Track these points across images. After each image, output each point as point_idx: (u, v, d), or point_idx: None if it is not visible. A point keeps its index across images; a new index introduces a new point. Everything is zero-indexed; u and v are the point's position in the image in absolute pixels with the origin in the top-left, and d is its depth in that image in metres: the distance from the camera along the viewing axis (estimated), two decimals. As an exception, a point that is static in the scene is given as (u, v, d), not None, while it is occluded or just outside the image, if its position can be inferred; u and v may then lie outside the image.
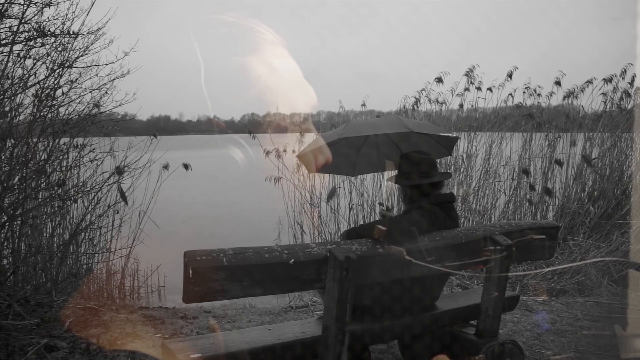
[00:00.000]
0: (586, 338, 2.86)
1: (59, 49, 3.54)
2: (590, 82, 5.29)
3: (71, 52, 3.61)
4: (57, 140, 3.77)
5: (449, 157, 5.42)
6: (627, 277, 3.91)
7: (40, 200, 3.89)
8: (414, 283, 1.96)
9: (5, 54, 3.19)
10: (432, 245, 1.84)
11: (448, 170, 5.29)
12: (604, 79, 5.26)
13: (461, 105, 5.54)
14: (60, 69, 3.57)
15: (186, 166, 4.87)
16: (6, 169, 3.28)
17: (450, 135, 2.55)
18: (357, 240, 1.77)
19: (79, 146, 4.09)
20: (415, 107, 5.62)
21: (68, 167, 4.10)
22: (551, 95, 5.45)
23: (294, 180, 5.10)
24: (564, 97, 5.40)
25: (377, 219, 2.79)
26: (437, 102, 5.54)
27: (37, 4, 3.18)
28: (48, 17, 3.39)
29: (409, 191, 2.15)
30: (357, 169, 2.74)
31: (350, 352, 1.78)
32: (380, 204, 2.63)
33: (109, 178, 4.19)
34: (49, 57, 3.50)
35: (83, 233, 4.29)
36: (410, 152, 2.20)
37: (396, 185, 2.23)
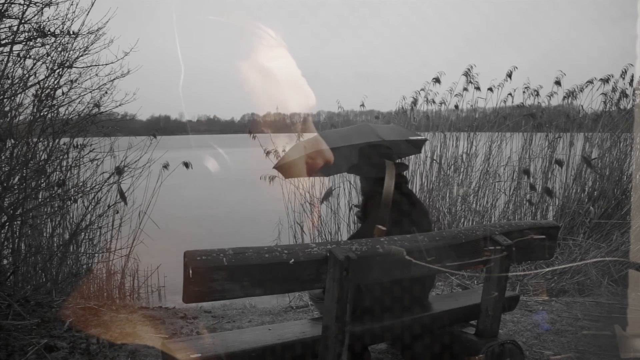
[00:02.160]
0: (586, 338, 2.86)
1: (59, 49, 3.54)
2: (590, 82, 5.29)
3: (71, 52, 3.61)
4: (57, 140, 3.77)
5: (449, 156, 5.46)
6: (627, 277, 3.91)
7: (40, 200, 3.89)
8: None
9: (5, 54, 3.20)
10: (432, 245, 1.84)
11: (451, 166, 5.31)
12: (601, 79, 5.26)
13: (457, 106, 5.55)
14: (60, 69, 3.57)
15: (186, 164, 4.86)
16: (6, 169, 3.28)
17: (419, 138, 2.59)
18: (357, 240, 1.77)
19: (79, 146, 4.09)
20: (413, 107, 5.63)
21: (68, 167, 4.10)
22: (551, 95, 5.45)
23: (294, 180, 5.10)
24: (564, 97, 5.41)
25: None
26: (434, 102, 5.55)
27: (37, 4, 3.19)
28: (48, 17, 3.39)
29: (372, 182, 2.20)
30: (331, 170, 2.75)
31: (350, 352, 1.78)
32: (356, 206, 2.64)
33: (109, 178, 4.19)
34: (49, 57, 3.51)
35: (83, 233, 4.29)
36: (373, 143, 2.22)
37: (357, 176, 2.30)
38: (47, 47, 3.46)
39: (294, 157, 2.33)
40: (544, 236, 2.12)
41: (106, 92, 3.95)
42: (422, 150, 5.49)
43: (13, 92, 3.33)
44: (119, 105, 4.02)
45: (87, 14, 3.56)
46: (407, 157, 4.94)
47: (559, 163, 5.24)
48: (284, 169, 2.39)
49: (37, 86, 3.48)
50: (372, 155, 2.21)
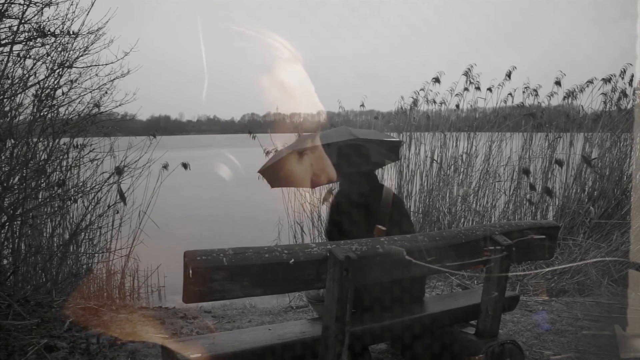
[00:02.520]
0: (586, 338, 2.86)
1: (59, 49, 3.54)
2: (590, 82, 5.29)
3: (71, 52, 3.61)
4: (57, 140, 3.77)
5: (449, 156, 5.46)
6: (627, 277, 3.90)
7: (40, 200, 3.89)
8: None
9: (5, 54, 3.20)
10: (432, 245, 1.84)
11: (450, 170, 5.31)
12: (602, 79, 5.26)
13: (457, 106, 5.55)
14: (60, 69, 3.57)
15: (185, 165, 4.86)
16: (6, 169, 3.28)
17: (393, 139, 2.60)
18: (357, 240, 1.77)
19: (79, 146, 4.09)
20: (412, 107, 5.63)
21: (68, 167, 4.10)
22: (551, 95, 5.45)
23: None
24: (564, 97, 5.41)
25: None
26: (434, 102, 5.56)
27: (37, 4, 3.19)
28: (48, 17, 3.39)
29: (370, 180, 2.24)
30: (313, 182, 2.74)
31: (350, 352, 1.78)
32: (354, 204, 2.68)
33: (109, 178, 4.19)
34: (49, 57, 3.51)
35: (83, 233, 4.29)
36: (352, 141, 2.21)
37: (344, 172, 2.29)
38: (47, 47, 3.46)
39: (278, 159, 2.30)
40: (544, 236, 2.12)
41: (106, 92, 3.96)
42: (422, 150, 5.52)
43: (13, 92, 3.33)
44: (119, 105, 4.03)
45: (87, 14, 3.56)
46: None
47: (559, 163, 5.24)
48: (268, 172, 2.37)
49: (37, 86, 3.48)
50: (372, 153, 2.21)
